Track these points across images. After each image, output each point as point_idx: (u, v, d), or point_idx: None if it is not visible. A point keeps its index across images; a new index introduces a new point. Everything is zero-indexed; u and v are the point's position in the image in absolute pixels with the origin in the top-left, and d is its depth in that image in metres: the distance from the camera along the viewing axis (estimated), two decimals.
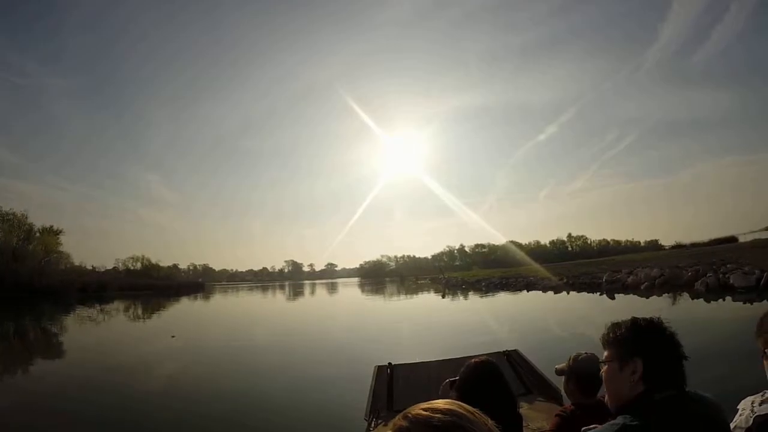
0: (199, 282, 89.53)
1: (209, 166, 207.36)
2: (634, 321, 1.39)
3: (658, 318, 1.39)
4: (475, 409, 0.81)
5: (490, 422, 0.80)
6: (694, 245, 65.91)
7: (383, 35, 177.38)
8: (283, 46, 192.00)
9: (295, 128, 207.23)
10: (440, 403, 0.81)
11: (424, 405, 0.81)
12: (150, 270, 73.81)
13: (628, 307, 19.30)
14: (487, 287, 40.49)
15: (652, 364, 1.31)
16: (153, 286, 58.41)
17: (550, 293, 29.84)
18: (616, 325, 1.43)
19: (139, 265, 74.95)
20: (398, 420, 0.81)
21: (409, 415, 0.80)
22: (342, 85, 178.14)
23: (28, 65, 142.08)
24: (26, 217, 48.72)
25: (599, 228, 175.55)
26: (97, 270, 70.97)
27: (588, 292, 27.49)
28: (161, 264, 79.95)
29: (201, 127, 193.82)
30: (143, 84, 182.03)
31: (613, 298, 23.75)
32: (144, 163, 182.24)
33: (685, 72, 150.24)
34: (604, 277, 28.30)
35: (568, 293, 28.36)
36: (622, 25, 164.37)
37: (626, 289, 25.84)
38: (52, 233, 51.95)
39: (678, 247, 69.89)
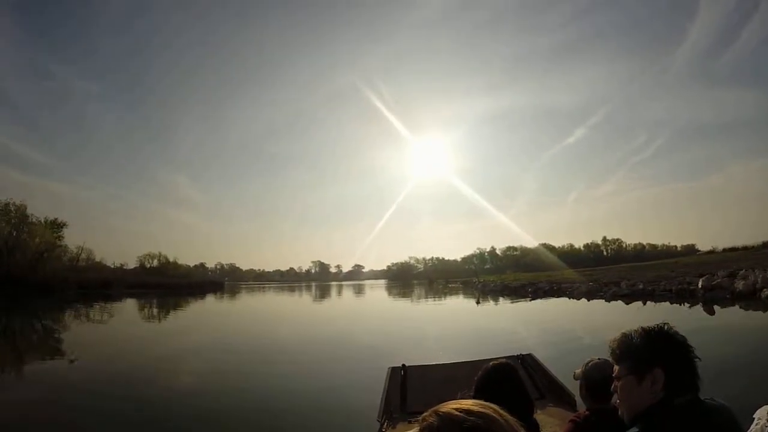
0: (218, 281, 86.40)
1: (237, 168, 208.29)
2: (647, 331, 1.37)
3: (667, 324, 1.37)
4: (506, 413, 0.79)
5: (521, 428, 0.78)
6: (746, 248, 61.50)
7: (409, 37, 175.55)
8: (309, 49, 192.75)
9: (323, 131, 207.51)
10: (471, 404, 0.79)
11: (455, 404, 0.79)
12: (167, 268, 71.10)
13: None
14: (534, 293, 34.41)
15: (673, 372, 1.29)
16: (165, 285, 55.21)
17: (619, 303, 23.88)
18: (626, 337, 1.40)
19: (155, 263, 72.55)
20: (428, 416, 0.79)
21: (441, 412, 0.78)
22: (369, 88, 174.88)
23: (58, 68, 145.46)
24: (25, 208, 45.66)
25: (627, 232, 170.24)
26: (124, 267, 69.52)
27: (673, 303, 21.53)
28: (179, 261, 77.55)
29: (229, 130, 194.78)
30: (171, 87, 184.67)
31: (712, 312, 17.90)
32: (172, 165, 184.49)
33: (713, 73, 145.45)
34: (700, 283, 21.94)
35: (644, 303, 22.32)
36: (649, 27, 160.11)
37: (737, 300, 19.59)
38: (55, 226, 49.40)
39: (732, 250, 64.54)
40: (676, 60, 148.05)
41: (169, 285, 55.47)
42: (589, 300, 26.41)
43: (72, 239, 61.85)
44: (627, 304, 23.10)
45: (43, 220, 46.91)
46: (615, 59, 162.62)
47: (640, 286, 25.91)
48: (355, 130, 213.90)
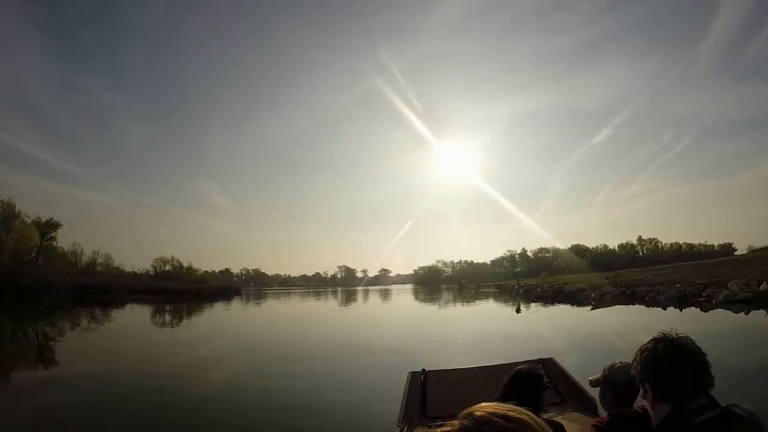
0: (234, 286, 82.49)
1: (266, 175, 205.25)
2: (638, 349, 1.44)
3: (660, 333, 1.41)
4: (540, 420, 0.79)
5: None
6: None
7: (434, 41, 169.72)
8: (335, 55, 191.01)
9: (349, 136, 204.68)
10: (507, 409, 0.79)
11: (491, 408, 0.79)
12: (179, 273, 67.37)
13: None
14: (599, 300, 27.89)
15: (659, 385, 1.35)
16: (173, 291, 51.22)
17: (725, 312, 17.61)
18: (633, 359, 1.49)
19: (168, 267, 68.84)
20: (462, 419, 0.78)
21: (477, 416, 0.78)
22: (394, 93, 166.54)
23: (87, 79, 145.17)
24: (14, 206, 42.02)
25: (656, 232, 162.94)
26: (149, 273, 67.12)
27: None
28: (205, 267, 74.54)
29: (256, 137, 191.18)
30: (198, 96, 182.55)
31: None
32: (202, 173, 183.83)
33: (739, 68, 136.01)
34: None
35: None
36: (672, 22, 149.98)
37: None
38: (49, 227, 45.45)
39: None
40: (700, 56, 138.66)
41: (176, 291, 51.42)
42: (681, 309, 20.00)
43: (94, 246, 60.76)
44: (744, 313, 16.79)
45: (33, 219, 43.27)
46: (638, 57, 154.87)
47: (764, 287, 19.19)
48: (381, 135, 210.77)
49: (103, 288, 43.54)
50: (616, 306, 24.35)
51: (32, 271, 37.38)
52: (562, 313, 24.73)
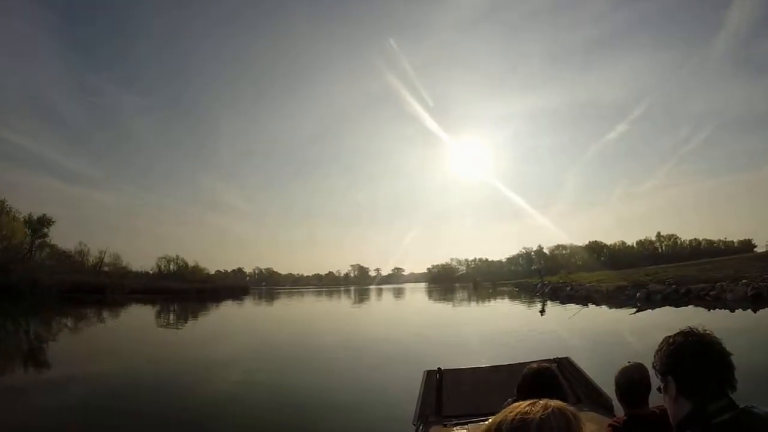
0: (240, 285, 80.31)
1: (278, 173, 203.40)
2: (664, 340, 1.38)
3: (688, 328, 1.34)
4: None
5: None
6: None
7: (446, 35, 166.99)
8: (347, 50, 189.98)
9: (360, 133, 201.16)
10: (566, 406, 0.83)
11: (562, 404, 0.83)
12: (184, 272, 65.32)
13: None
14: (645, 300, 24.44)
15: (683, 379, 1.29)
16: (174, 290, 49.17)
17: None
18: (656, 351, 1.43)
19: (173, 267, 66.78)
20: (533, 408, 0.81)
21: (551, 406, 0.81)
22: (406, 89, 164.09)
23: (105, 86, 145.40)
24: (3, 201, 40.14)
25: (671, 229, 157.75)
26: (149, 273, 65.51)
27: None
28: (219, 266, 72.79)
29: (271, 137, 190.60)
30: (212, 96, 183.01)
31: None
32: (215, 172, 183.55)
33: (757, 61, 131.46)
34: None
35: None
36: (687, 15, 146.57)
37: None
38: (42, 223, 43.61)
39: None
40: (716, 49, 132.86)
41: (178, 290, 49.28)
42: (755, 311, 16.60)
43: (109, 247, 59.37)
44: None
45: (24, 216, 41.36)
46: (653, 51, 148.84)
47: None
48: (392, 131, 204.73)
49: (97, 287, 41.24)
50: (667, 307, 21.00)
51: (20, 268, 35.24)
52: (606, 317, 21.51)
